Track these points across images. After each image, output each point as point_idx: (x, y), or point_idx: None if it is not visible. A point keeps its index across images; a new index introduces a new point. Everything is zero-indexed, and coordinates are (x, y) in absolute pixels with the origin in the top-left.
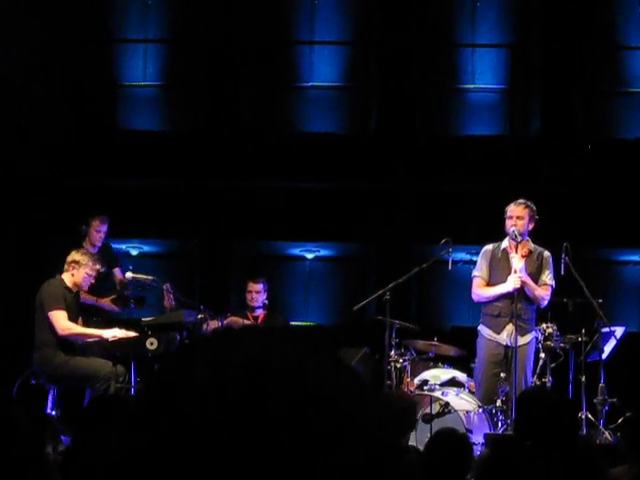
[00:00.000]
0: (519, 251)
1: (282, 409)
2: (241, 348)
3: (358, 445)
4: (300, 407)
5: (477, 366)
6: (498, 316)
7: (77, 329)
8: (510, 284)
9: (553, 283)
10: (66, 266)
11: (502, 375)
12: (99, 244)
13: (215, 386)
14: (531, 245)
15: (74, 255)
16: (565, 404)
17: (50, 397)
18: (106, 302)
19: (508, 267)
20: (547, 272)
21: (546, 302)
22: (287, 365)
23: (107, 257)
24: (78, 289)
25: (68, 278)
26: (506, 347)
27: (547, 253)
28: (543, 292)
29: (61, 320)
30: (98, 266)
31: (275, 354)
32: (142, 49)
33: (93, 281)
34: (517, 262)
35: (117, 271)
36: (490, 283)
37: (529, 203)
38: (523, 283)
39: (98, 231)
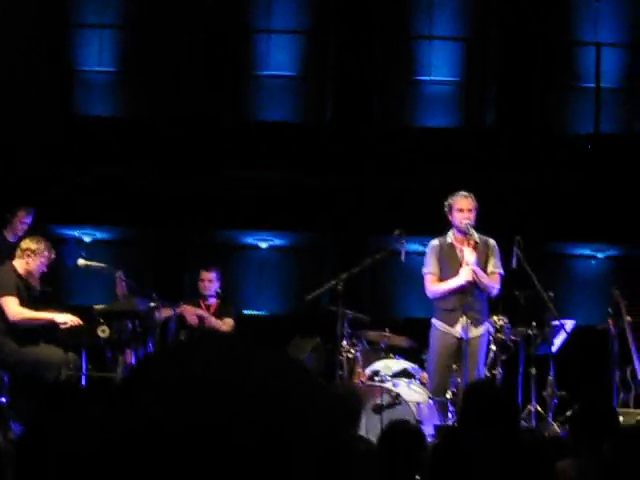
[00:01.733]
0: (469, 244)
1: (233, 410)
2: (193, 361)
3: (309, 438)
4: (252, 408)
5: (430, 358)
6: (452, 310)
7: (28, 313)
8: (463, 277)
9: (501, 270)
10: (19, 252)
11: (454, 367)
12: (20, 234)
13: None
14: (476, 236)
15: (29, 243)
16: (506, 394)
17: None
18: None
19: (457, 260)
20: (494, 260)
21: (496, 291)
22: (236, 372)
23: None
24: (28, 276)
25: (21, 265)
26: (460, 339)
27: (492, 241)
28: (493, 281)
29: (12, 306)
30: (52, 254)
31: (222, 364)
32: (98, 34)
33: (45, 269)
34: (469, 255)
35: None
36: (441, 278)
37: (472, 195)
38: (474, 274)
39: (22, 222)
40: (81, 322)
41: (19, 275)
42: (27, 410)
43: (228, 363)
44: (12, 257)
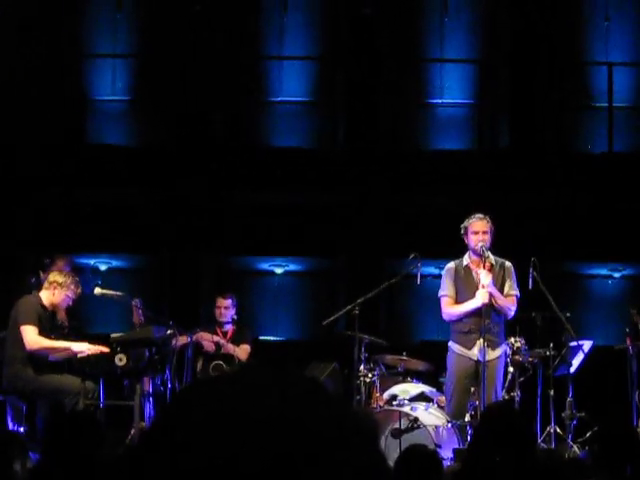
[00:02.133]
0: (485, 266)
1: (270, 455)
2: (230, 397)
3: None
4: (293, 443)
5: (448, 381)
6: (468, 332)
7: (45, 342)
8: (479, 299)
9: (518, 292)
10: (46, 284)
11: (472, 390)
12: None
13: (209, 435)
14: (492, 258)
15: (56, 276)
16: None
17: (9, 414)
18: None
19: (473, 283)
20: (510, 282)
21: (513, 312)
22: (271, 411)
23: None
24: (54, 309)
25: (47, 297)
26: (477, 362)
27: (508, 263)
28: (509, 303)
29: (30, 334)
30: (79, 289)
31: (259, 401)
32: (111, 64)
33: (71, 303)
34: (485, 277)
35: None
36: (457, 301)
37: (487, 217)
38: (491, 296)
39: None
40: (100, 349)
41: (43, 306)
42: (44, 440)
43: (263, 397)
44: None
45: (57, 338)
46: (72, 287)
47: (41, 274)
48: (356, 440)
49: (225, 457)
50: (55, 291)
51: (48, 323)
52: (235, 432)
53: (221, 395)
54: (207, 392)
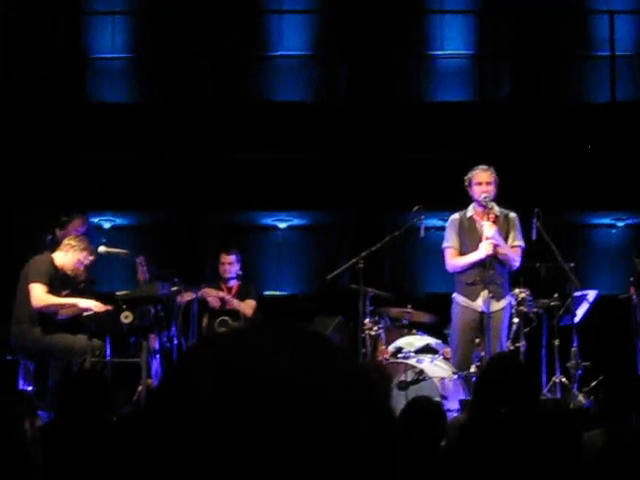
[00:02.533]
0: (489, 217)
1: (293, 402)
2: (242, 354)
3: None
4: (309, 398)
5: (453, 333)
6: (472, 284)
7: (52, 299)
8: (482, 251)
9: (522, 243)
10: (62, 246)
11: (477, 341)
12: None
13: (219, 396)
14: (496, 209)
15: (72, 239)
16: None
17: (20, 373)
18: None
19: (477, 234)
20: (515, 233)
21: (518, 263)
22: (283, 370)
23: None
24: (64, 271)
25: (60, 258)
26: (481, 313)
27: (513, 214)
28: (514, 253)
29: (38, 292)
30: (92, 257)
31: (272, 357)
32: (110, 21)
33: (82, 268)
34: (488, 229)
35: None
36: (461, 252)
37: (492, 168)
38: (496, 247)
39: (76, 230)
40: (107, 307)
41: (55, 267)
42: (53, 398)
43: (272, 356)
44: (54, 250)
45: (71, 293)
46: (85, 252)
47: (57, 232)
48: (366, 398)
49: (234, 419)
50: (69, 252)
51: (59, 284)
52: (245, 393)
53: (229, 354)
54: (214, 352)
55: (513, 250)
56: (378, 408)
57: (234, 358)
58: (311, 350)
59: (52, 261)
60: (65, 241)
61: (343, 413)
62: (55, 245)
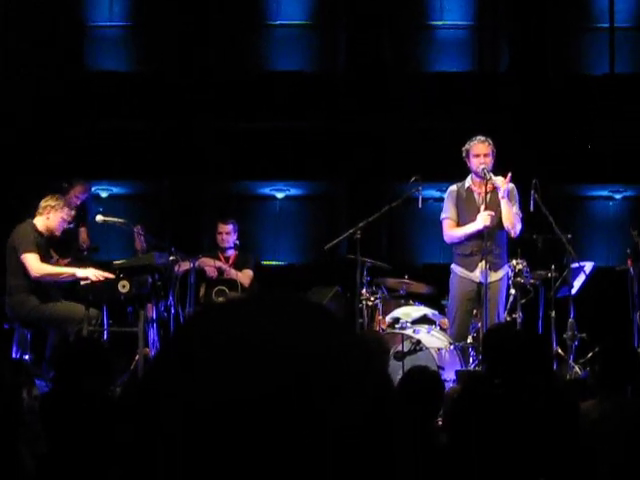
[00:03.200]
0: (487, 188)
1: (285, 382)
2: (238, 323)
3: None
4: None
5: (450, 303)
6: (470, 255)
7: (50, 269)
8: (480, 222)
9: (520, 213)
10: (40, 210)
11: (475, 312)
12: (72, 207)
13: (214, 367)
14: (494, 179)
15: (49, 200)
16: (533, 340)
17: (15, 341)
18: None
19: (475, 205)
20: (513, 203)
21: (518, 231)
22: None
23: (79, 215)
24: (50, 233)
25: (41, 222)
26: (479, 284)
27: (511, 185)
28: (516, 220)
29: (33, 262)
30: (73, 212)
31: (264, 326)
32: None
33: (66, 225)
34: (501, 183)
35: (82, 230)
36: (459, 223)
37: (489, 139)
38: (503, 210)
39: (77, 196)
40: (107, 275)
41: (39, 232)
42: (50, 367)
43: (270, 325)
44: (34, 215)
45: (73, 261)
46: (65, 209)
47: None
48: (365, 368)
49: (234, 389)
50: (50, 214)
51: (46, 249)
52: (243, 363)
53: (227, 324)
54: (211, 322)
55: (515, 217)
56: (377, 378)
57: (232, 328)
58: (310, 320)
59: (34, 227)
60: (42, 204)
61: (343, 383)
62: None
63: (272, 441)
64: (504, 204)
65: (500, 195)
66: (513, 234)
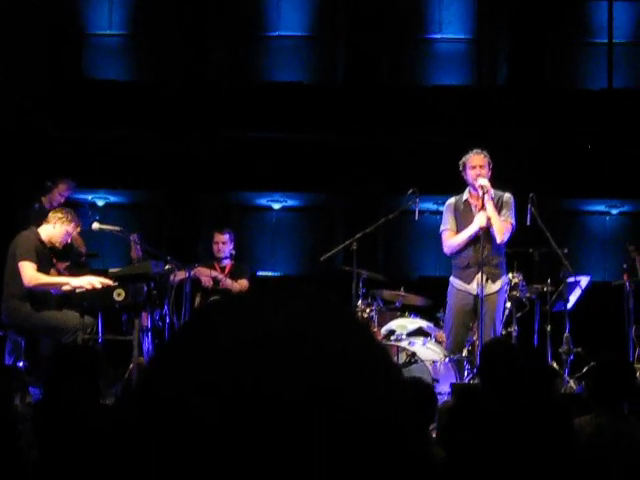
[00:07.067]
0: (486, 203)
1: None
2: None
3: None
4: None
5: (447, 316)
6: (467, 267)
7: (43, 279)
8: (476, 223)
9: (513, 221)
10: (48, 219)
11: (471, 325)
12: (56, 205)
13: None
14: (492, 192)
15: (58, 212)
16: (529, 353)
17: (7, 348)
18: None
19: (472, 217)
20: (506, 211)
21: (505, 237)
22: (295, 328)
23: None
24: (52, 244)
25: (46, 231)
26: (476, 297)
27: (508, 195)
28: (504, 227)
29: (28, 271)
30: (79, 227)
31: (280, 318)
32: None
33: (69, 240)
34: (489, 208)
35: (76, 237)
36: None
37: (485, 151)
38: (489, 217)
39: (61, 194)
40: (105, 282)
41: (42, 242)
42: (44, 374)
43: (289, 314)
44: (40, 224)
45: (72, 267)
46: (72, 224)
47: (43, 199)
48: (384, 369)
49: (257, 385)
50: (56, 225)
51: (46, 259)
52: (271, 358)
53: (252, 317)
54: (235, 313)
55: (504, 224)
56: (396, 380)
57: (242, 320)
58: (331, 317)
59: (38, 236)
60: (51, 214)
61: (363, 384)
62: (42, 212)
63: (287, 431)
64: (490, 208)
65: (486, 198)
66: (499, 239)
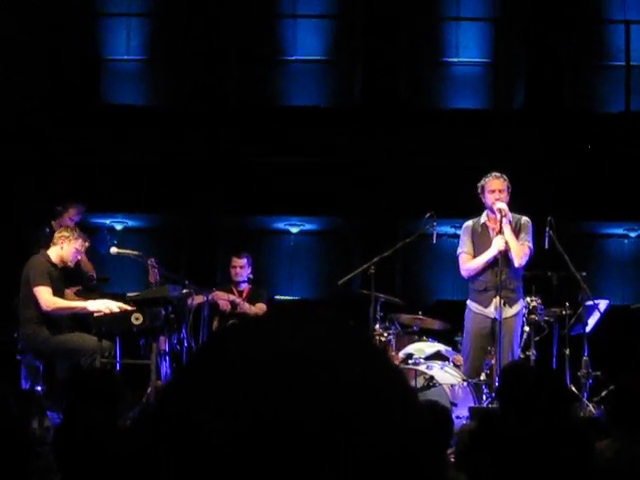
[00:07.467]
0: (504, 226)
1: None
2: (270, 339)
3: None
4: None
5: (465, 340)
6: (484, 290)
7: (61, 303)
8: (495, 247)
9: (531, 245)
10: (55, 240)
11: (489, 348)
12: None
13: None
14: (510, 216)
15: (63, 231)
16: (548, 376)
17: (23, 372)
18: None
19: (490, 241)
20: (524, 235)
21: (524, 261)
22: (317, 355)
23: None
24: (64, 264)
25: (55, 253)
26: (493, 320)
27: (525, 219)
28: (522, 251)
29: (45, 295)
30: (87, 243)
31: (299, 342)
32: (125, 23)
33: (80, 257)
34: (507, 232)
35: (84, 261)
36: (475, 258)
37: (504, 175)
38: (507, 241)
39: (71, 218)
40: (122, 306)
41: (53, 264)
42: (62, 399)
43: (311, 337)
44: (50, 247)
45: (83, 290)
46: (79, 240)
47: (53, 223)
48: (402, 395)
49: (274, 408)
50: (64, 245)
51: (59, 280)
52: (289, 382)
53: (270, 340)
54: (253, 336)
55: (521, 247)
56: (414, 406)
57: (259, 344)
58: (349, 341)
59: (48, 258)
60: (56, 235)
61: (381, 410)
62: (53, 236)
63: (306, 453)
64: (508, 231)
65: (504, 222)
66: (517, 263)
